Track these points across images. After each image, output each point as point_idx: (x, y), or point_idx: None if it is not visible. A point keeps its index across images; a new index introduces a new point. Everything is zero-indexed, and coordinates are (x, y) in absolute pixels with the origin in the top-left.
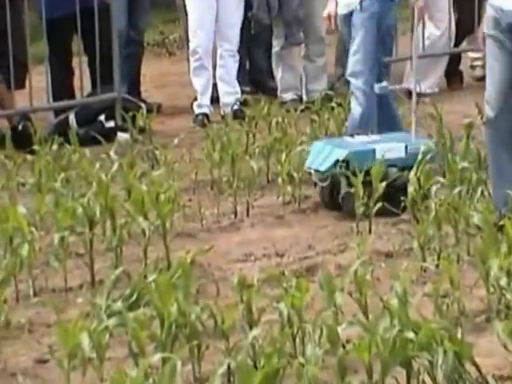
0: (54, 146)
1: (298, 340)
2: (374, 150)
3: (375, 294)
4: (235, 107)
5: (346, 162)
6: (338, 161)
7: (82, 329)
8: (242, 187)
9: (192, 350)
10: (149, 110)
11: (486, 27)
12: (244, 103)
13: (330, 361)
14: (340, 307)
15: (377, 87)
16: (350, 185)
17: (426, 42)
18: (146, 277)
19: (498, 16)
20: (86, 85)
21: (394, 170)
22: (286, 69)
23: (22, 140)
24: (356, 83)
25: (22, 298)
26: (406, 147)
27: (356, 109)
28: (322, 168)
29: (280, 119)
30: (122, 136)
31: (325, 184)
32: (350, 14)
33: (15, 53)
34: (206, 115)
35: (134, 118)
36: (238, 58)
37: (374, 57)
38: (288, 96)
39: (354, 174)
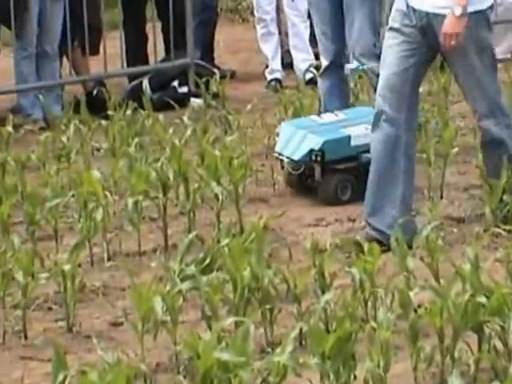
0: (128, 112)
1: (369, 304)
2: (349, 137)
3: (447, 259)
4: (308, 73)
5: (321, 151)
6: (312, 150)
7: (156, 292)
8: None
9: (264, 314)
10: (222, 76)
11: (391, 20)
12: (316, 68)
13: (401, 325)
14: (412, 272)
15: (347, 69)
16: (322, 172)
17: (500, 9)
18: (218, 241)
19: (407, 12)
20: (159, 51)
21: (368, 155)
22: None
23: (97, 105)
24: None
25: (96, 261)
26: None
27: None
28: (295, 157)
29: (352, 85)
30: (195, 101)
31: (297, 173)
32: None
33: (90, 19)
34: (278, 80)
35: (207, 83)
36: (308, 23)
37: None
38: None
39: (328, 163)
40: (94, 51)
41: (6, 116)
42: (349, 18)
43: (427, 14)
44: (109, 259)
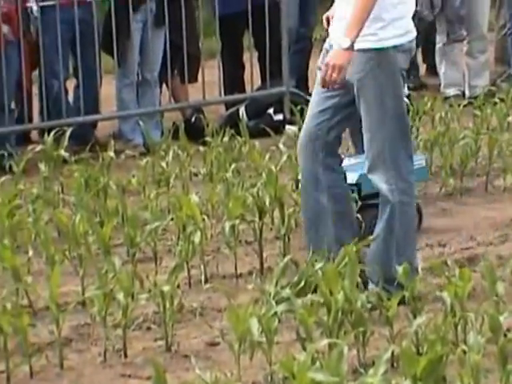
0: (225, 138)
1: (460, 328)
2: None
3: None
4: None
5: (358, 185)
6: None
7: (252, 314)
8: None
9: (357, 336)
10: None
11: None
12: (408, 98)
13: (491, 349)
14: (502, 297)
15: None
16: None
17: None
18: (313, 265)
19: (329, 48)
20: (255, 79)
21: None
22: (448, 65)
23: (195, 132)
24: None
25: (194, 283)
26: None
27: None
28: None
29: (443, 114)
30: (290, 128)
31: None
32: None
33: (189, 48)
34: None
35: (302, 111)
36: None
37: None
38: (451, 91)
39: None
40: (193, 79)
41: (108, 141)
42: None
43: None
44: (206, 281)
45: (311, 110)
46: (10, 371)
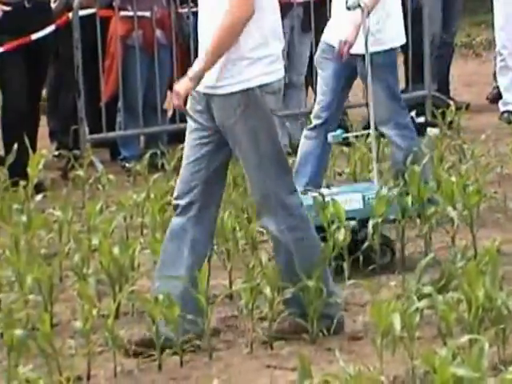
0: (369, 140)
1: None
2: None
3: None
4: None
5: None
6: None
7: (395, 309)
8: None
9: (497, 333)
10: (457, 108)
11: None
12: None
13: None
14: None
15: (330, 136)
16: None
17: None
18: (454, 263)
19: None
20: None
21: (353, 222)
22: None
23: None
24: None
25: (337, 280)
26: (364, 197)
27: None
28: None
29: None
30: (431, 131)
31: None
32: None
33: None
34: (511, 112)
35: (443, 114)
36: None
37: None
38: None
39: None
40: None
41: None
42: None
43: (204, 94)
44: (349, 277)
45: (184, 160)
46: (162, 359)
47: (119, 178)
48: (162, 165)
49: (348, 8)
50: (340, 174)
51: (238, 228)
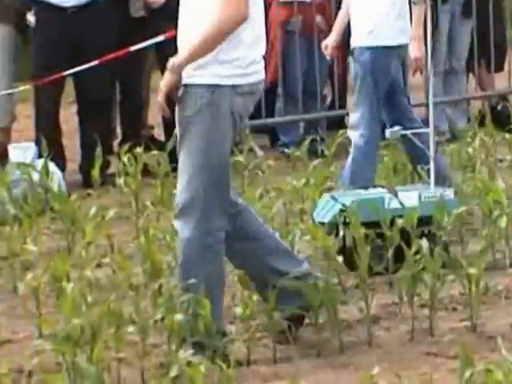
0: None
1: None
2: (382, 199)
3: None
4: None
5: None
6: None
7: None
8: None
9: None
10: None
11: None
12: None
13: None
14: None
15: (388, 132)
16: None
17: None
18: None
19: None
20: None
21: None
22: None
23: (501, 119)
24: (353, 136)
25: (498, 266)
26: (420, 195)
27: (348, 163)
28: (325, 219)
29: None
30: None
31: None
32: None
33: (495, 37)
34: None
35: None
36: None
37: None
38: None
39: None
40: (499, 68)
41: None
42: None
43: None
44: (511, 265)
45: None
46: (321, 345)
47: (278, 164)
48: (322, 151)
49: (414, 2)
50: (501, 161)
51: None
